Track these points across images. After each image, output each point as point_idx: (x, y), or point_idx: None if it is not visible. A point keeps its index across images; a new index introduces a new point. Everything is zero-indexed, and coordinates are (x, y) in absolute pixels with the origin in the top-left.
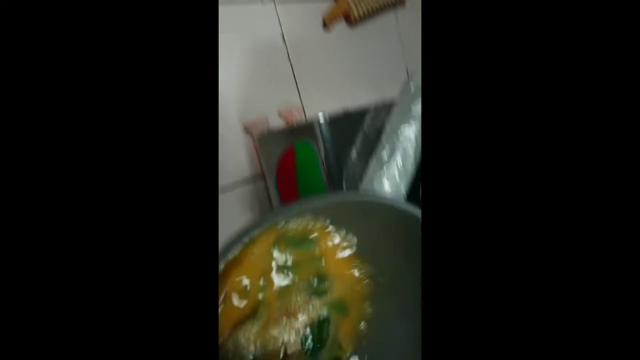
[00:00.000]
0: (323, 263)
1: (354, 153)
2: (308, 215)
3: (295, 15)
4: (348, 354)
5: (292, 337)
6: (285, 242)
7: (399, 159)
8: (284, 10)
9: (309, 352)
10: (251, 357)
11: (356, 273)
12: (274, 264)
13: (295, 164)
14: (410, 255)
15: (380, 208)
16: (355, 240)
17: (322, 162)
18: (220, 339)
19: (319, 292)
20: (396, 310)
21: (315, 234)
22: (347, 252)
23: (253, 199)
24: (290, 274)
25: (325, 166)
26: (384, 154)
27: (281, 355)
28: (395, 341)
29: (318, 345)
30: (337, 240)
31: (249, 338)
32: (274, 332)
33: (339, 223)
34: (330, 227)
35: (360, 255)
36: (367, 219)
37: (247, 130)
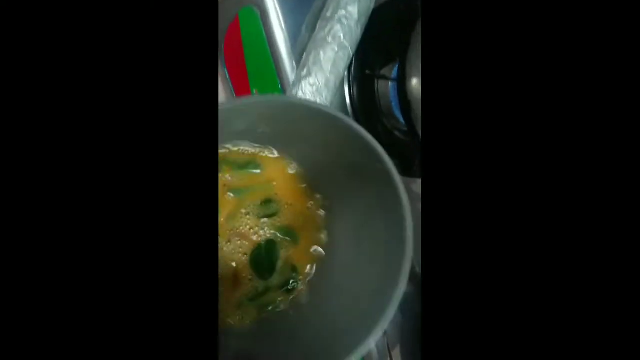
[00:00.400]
0: (273, 188)
1: (303, 29)
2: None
3: None
4: (305, 277)
5: (242, 258)
6: (229, 165)
7: (342, 17)
8: None
9: (257, 276)
10: None
11: (308, 203)
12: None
13: (242, 36)
14: (356, 175)
15: (320, 117)
16: (298, 164)
17: (268, 33)
18: None
19: (267, 215)
20: (348, 235)
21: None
22: (293, 172)
23: None
24: (240, 197)
25: (274, 37)
26: (327, 14)
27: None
28: (351, 264)
29: (265, 269)
30: (284, 165)
31: None
32: (226, 253)
33: (282, 147)
34: (276, 153)
35: (307, 180)
36: (308, 137)
37: None
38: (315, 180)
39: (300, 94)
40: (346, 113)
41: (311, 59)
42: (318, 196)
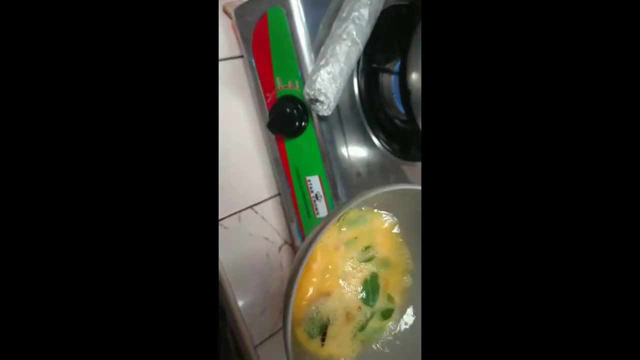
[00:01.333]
0: (374, 237)
1: (320, 27)
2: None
3: None
4: (399, 305)
5: (351, 296)
6: (345, 223)
7: (355, 17)
8: None
9: (365, 305)
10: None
11: (398, 239)
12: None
13: (269, 31)
14: None
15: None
16: (395, 217)
17: (292, 29)
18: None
19: (367, 259)
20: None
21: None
22: (389, 222)
23: (228, 78)
24: (350, 247)
25: (297, 33)
26: (343, 15)
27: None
28: None
29: (372, 297)
30: (383, 217)
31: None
32: (335, 297)
33: (383, 206)
34: (376, 210)
35: (400, 227)
36: (403, 201)
37: (225, 11)
38: (403, 224)
39: (319, 80)
40: (354, 102)
41: (329, 51)
42: (406, 249)
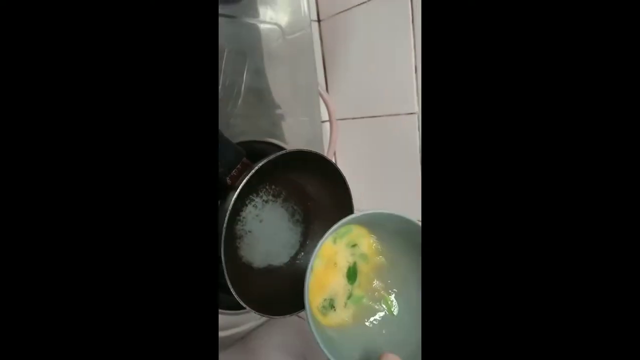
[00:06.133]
0: (358, 239)
1: None
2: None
3: None
4: (374, 284)
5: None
6: (338, 235)
7: None
8: None
9: (348, 283)
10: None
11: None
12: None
13: None
14: (411, 247)
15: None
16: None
17: None
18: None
19: (352, 252)
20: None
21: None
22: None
23: None
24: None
25: None
26: None
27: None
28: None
29: (353, 278)
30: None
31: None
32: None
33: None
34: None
35: (379, 241)
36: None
37: None
38: (382, 239)
39: None
40: None
41: None
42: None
